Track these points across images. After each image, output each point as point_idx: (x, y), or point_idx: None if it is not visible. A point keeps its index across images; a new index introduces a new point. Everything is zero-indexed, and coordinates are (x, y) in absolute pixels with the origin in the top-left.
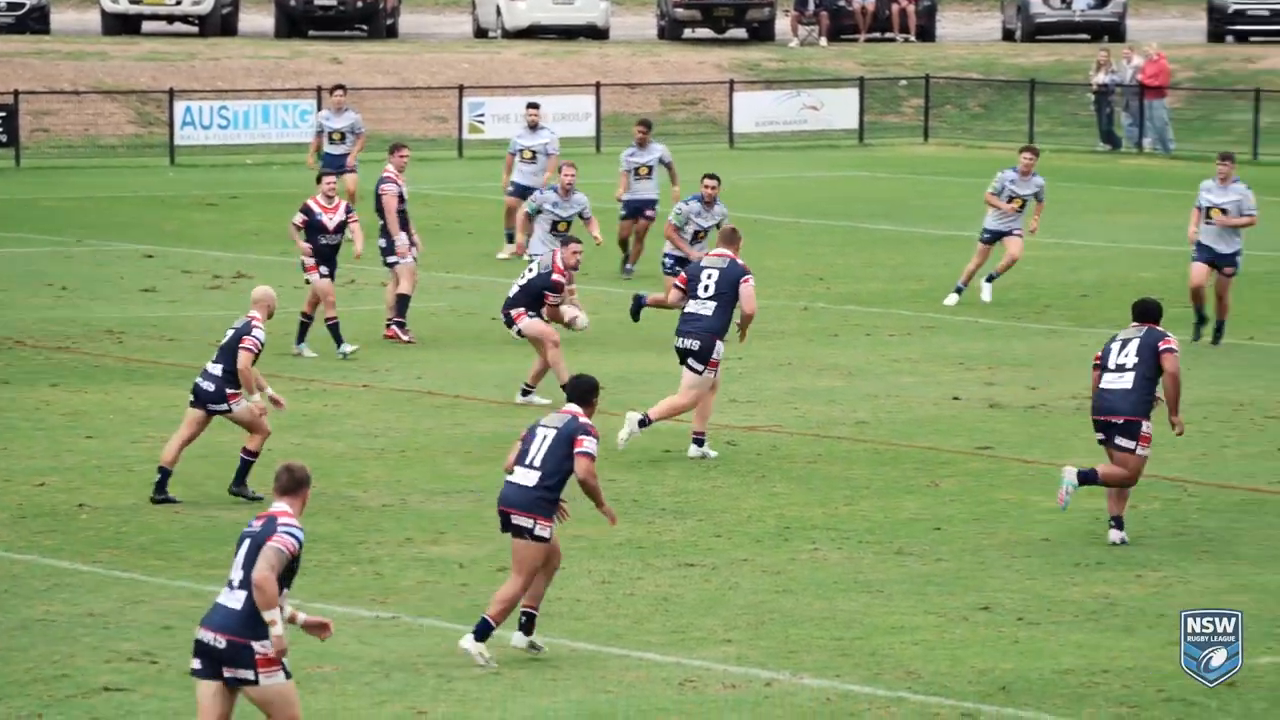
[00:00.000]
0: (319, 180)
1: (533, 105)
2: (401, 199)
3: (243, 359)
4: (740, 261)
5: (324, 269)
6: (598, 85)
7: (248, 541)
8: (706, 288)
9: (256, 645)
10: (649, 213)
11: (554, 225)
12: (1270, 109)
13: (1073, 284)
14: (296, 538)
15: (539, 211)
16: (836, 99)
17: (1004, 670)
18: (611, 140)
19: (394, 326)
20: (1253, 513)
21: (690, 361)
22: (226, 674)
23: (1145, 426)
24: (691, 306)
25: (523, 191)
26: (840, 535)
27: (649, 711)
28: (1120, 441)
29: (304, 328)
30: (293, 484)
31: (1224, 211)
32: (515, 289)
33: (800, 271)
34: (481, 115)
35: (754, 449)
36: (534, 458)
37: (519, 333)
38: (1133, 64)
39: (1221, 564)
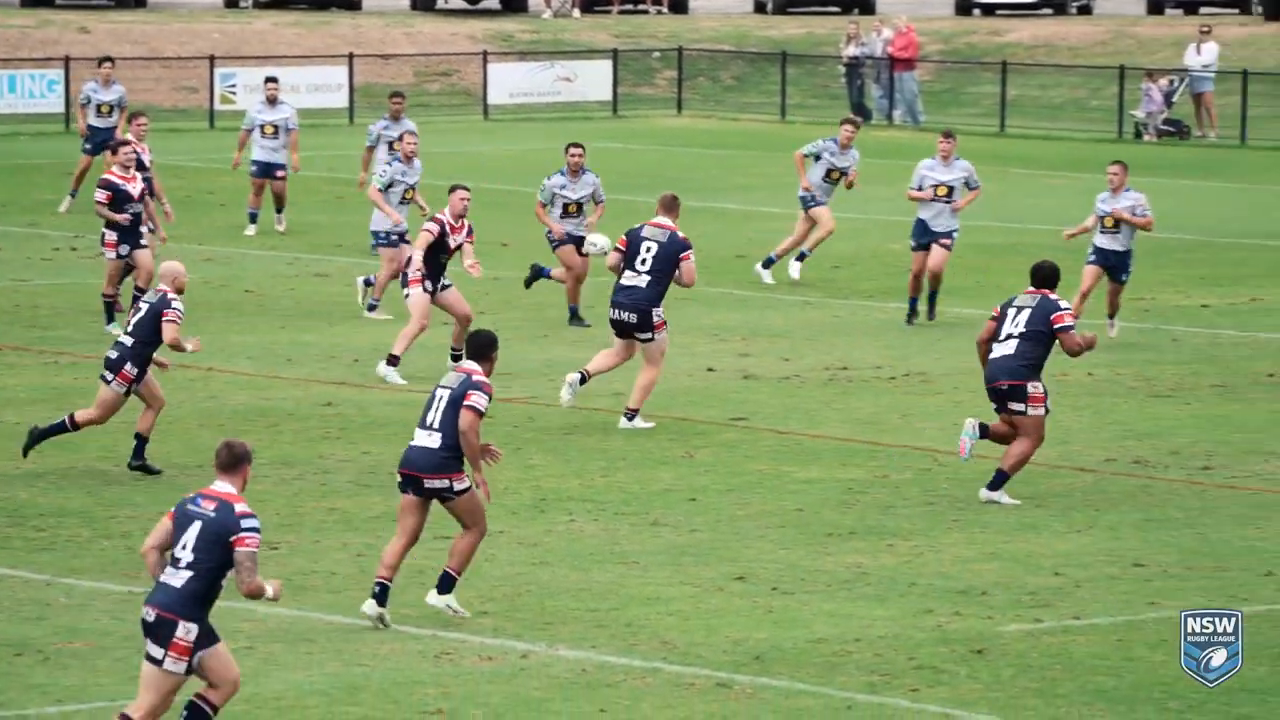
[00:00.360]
0: (114, 151)
1: (271, 79)
2: (141, 166)
3: (169, 332)
4: (681, 235)
5: (124, 247)
6: (350, 56)
7: (198, 524)
8: (644, 260)
9: (180, 626)
10: None
11: (404, 195)
12: (1016, 81)
13: (825, 255)
14: (258, 531)
15: (391, 185)
16: (590, 70)
17: (758, 640)
18: (364, 111)
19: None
20: None
21: (634, 334)
22: (147, 644)
23: (1032, 388)
24: (627, 277)
25: (266, 169)
26: (596, 507)
27: (404, 684)
28: (1012, 406)
29: (109, 307)
30: (231, 461)
31: (950, 189)
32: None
33: None
34: (233, 86)
35: (510, 420)
36: (433, 420)
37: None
38: (882, 36)
39: (970, 533)
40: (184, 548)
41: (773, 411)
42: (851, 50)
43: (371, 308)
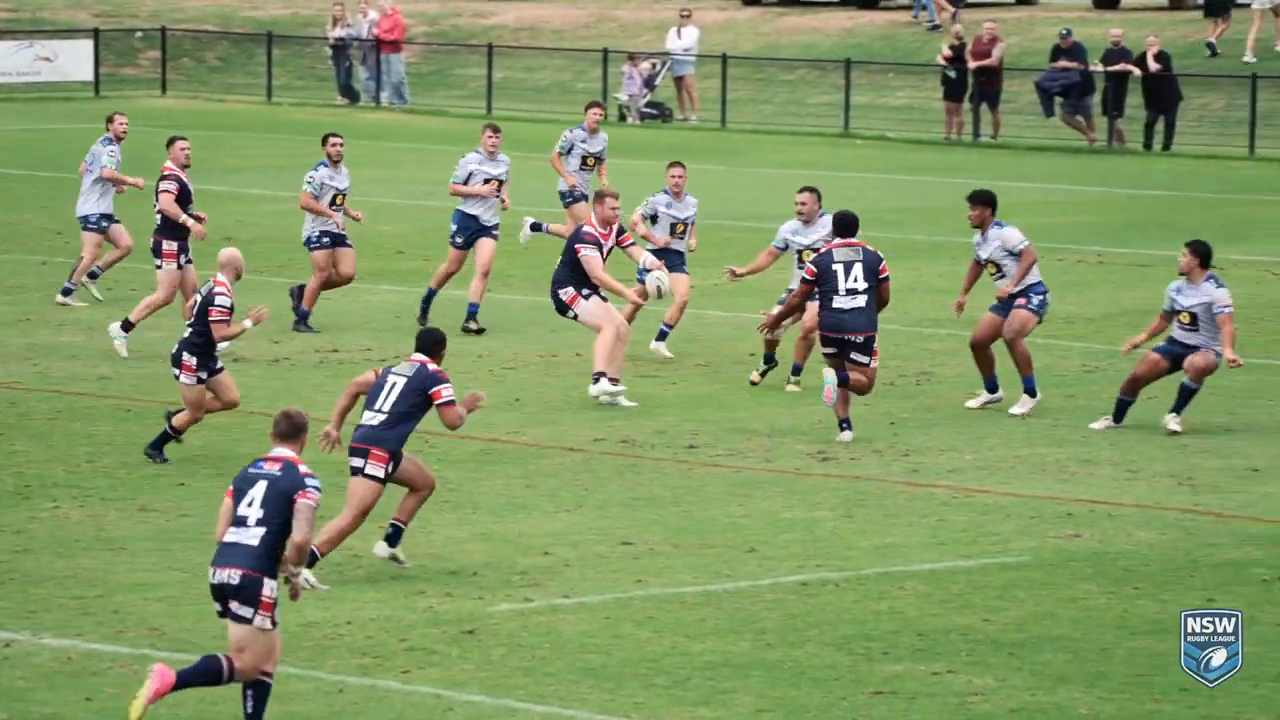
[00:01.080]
0: None
1: None
2: None
3: (217, 332)
4: (584, 228)
5: None
6: None
7: (264, 483)
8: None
9: (265, 584)
10: None
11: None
12: (502, 64)
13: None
14: (320, 489)
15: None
16: (71, 50)
17: None
18: None
19: None
20: (492, 462)
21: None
22: (232, 606)
23: (876, 341)
24: None
25: None
26: (82, 493)
27: None
28: (857, 357)
29: None
30: (291, 430)
31: (501, 184)
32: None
33: (38, 225)
34: None
35: None
36: (382, 404)
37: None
38: (368, 18)
39: (462, 514)
40: (251, 505)
41: (264, 394)
42: (338, 32)
43: (93, 275)
